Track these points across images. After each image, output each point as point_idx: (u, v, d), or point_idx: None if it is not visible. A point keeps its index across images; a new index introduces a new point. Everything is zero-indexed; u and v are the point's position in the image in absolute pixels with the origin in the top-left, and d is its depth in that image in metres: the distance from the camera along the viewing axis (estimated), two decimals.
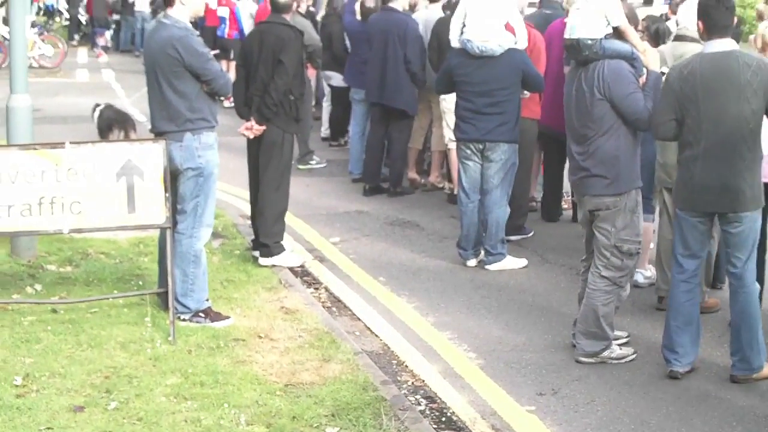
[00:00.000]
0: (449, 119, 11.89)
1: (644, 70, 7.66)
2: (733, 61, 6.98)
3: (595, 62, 7.59)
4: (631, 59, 7.62)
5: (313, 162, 14.74)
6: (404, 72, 12.58)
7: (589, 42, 7.61)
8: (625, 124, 7.50)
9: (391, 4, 12.86)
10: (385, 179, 13.30)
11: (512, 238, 10.64)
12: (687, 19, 8.62)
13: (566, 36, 7.87)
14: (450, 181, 12.67)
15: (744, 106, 6.92)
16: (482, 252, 10.12)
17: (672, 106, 7.13)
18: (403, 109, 12.81)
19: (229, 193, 12.39)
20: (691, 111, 7.04)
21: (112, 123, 14.12)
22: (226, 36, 21.21)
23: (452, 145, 11.94)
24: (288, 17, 10.11)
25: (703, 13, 7.19)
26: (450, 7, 12.44)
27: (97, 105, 14.88)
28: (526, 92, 10.17)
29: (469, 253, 10.14)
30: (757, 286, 7.37)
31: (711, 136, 7.00)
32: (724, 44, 7.07)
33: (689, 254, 7.29)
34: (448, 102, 11.85)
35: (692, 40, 8.44)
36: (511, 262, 10.04)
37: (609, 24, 7.69)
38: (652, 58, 7.75)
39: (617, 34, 7.74)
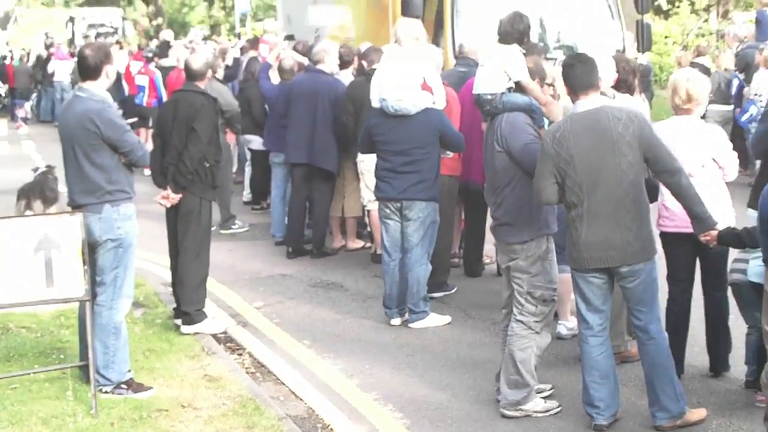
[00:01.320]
0: (368, 180, 11.99)
1: (545, 122, 7.84)
2: (602, 116, 7.08)
3: (497, 116, 7.81)
4: (530, 111, 7.81)
5: (236, 227, 14.73)
6: (331, 134, 12.66)
7: (489, 97, 7.90)
8: (527, 175, 7.62)
9: (319, 66, 12.94)
10: (308, 241, 13.31)
11: (435, 295, 10.69)
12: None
13: (473, 92, 8.07)
14: (372, 240, 12.75)
15: (620, 160, 6.99)
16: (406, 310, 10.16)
17: (550, 170, 7.18)
18: (328, 171, 12.86)
19: (150, 261, 12.34)
20: (569, 172, 7.10)
21: (28, 192, 13.93)
22: (144, 104, 21.21)
23: (372, 206, 12.04)
24: (202, 84, 10.15)
25: (564, 75, 7.34)
26: (362, 72, 12.54)
27: (37, 168, 14.74)
28: (449, 152, 10.27)
29: (393, 312, 10.16)
30: (665, 334, 7.46)
31: (592, 194, 7.06)
32: (591, 101, 7.18)
33: (592, 309, 7.33)
34: (366, 163, 11.95)
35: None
36: (435, 320, 10.08)
37: (510, 79, 7.89)
38: (555, 111, 7.92)
39: (521, 88, 7.94)
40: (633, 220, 7.07)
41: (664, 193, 7.62)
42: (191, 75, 10.18)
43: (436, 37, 15.47)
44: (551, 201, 7.37)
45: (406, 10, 15.11)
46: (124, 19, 49.26)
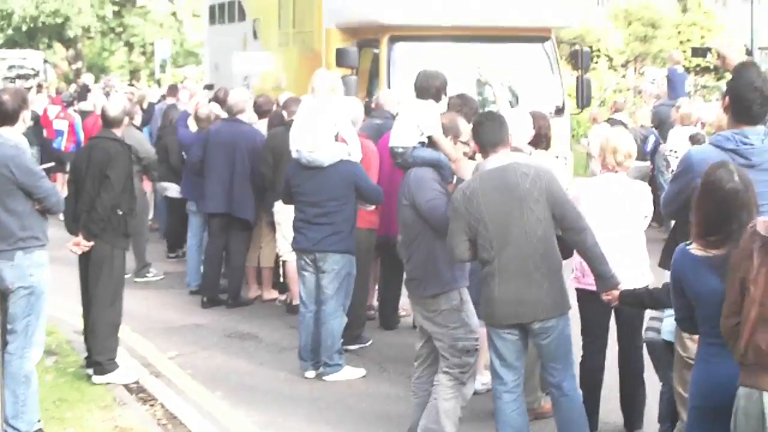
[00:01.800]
0: (284, 230, 11.97)
1: (454, 178, 7.93)
2: (510, 173, 7.12)
3: (408, 170, 7.91)
4: (438, 167, 7.91)
5: (150, 275, 14.62)
6: (249, 183, 12.65)
7: (400, 150, 8.04)
8: (432, 229, 7.68)
9: (239, 116, 12.93)
10: (223, 291, 13.24)
11: (350, 347, 10.68)
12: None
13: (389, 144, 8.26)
14: (282, 292, 12.75)
15: (528, 216, 7.03)
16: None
17: (462, 228, 7.21)
18: (245, 220, 12.83)
19: (63, 308, 12.17)
20: (480, 230, 7.12)
21: None
22: (62, 148, 21.01)
23: (287, 257, 12.03)
24: (119, 131, 10.08)
25: (474, 133, 7.47)
26: (279, 122, 12.55)
27: None
28: (368, 205, 10.28)
29: (308, 364, 10.12)
30: (579, 391, 7.49)
31: (503, 250, 7.07)
32: (499, 158, 7.25)
33: (506, 365, 7.30)
34: (282, 214, 11.96)
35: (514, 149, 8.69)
36: (349, 373, 10.06)
37: (423, 133, 8.00)
38: (464, 168, 8.00)
39: (432, 143, 8.05)
40: (543, 276, 7.08)
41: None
42: (107, 122, 10.13)
43: (371, 89, 15.52)
44: (464, 258, 7.40)
45: (341, 61, 15.14)
46: (45, 62, 48.78)
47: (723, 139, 6.55)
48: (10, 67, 44.82)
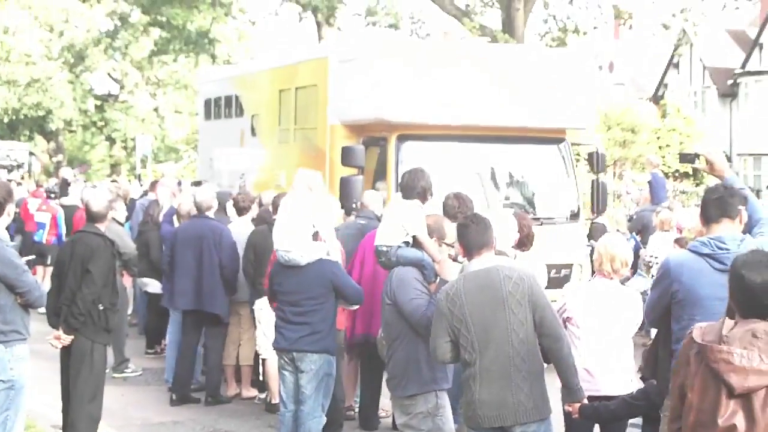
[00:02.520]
0: (264, 328, 12.02)
1: (436, 278, 7.97)
2: (494, 275, 7.11)
3: (391, 269, 7.97)
4: (421, 266, 7.95)
5: (129, 370, 14.53)
6: (219, 278, 12.66)
7: (384, 249, 8.10)
8: (413, 329, 7.70)
9: (207, 213, 12.99)
10: (200, 388, 13.17)
11: None
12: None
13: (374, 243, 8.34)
14: (261, 391, 12.69)
15: (511, 318, 6.99)
16: None
17: (445, 329, 7.17)
18: (218, 315, 12.82)
19: (43, 402, 12.08)
20: (462, 331, 7.08)
21: None
22: (44, 241, 20.98)
23: (266, 354, 12.03)
24: (102, 226, 10.09)
25: (459, 235, 7.47)
26: (261, 219, 12.60)
27: None
28: (352, 305, 10.22)
29: None
30: None
31: (484, 352, 7.03)
32: (483, 261, 7.25)
33: None
34: (263, 312, 11.96)
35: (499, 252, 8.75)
36: None
37: (407, 233, 8.06)
38: (448, 270, 8.04)
39: (417, 242, 8.12)
40: (524, 379, 7.01)
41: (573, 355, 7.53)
42: (90, 216, 10.17)
43: (379, 182, 14.94)
44: (446, 359, 7.35)
45: (347, 159, 14.55)
46: (31, 154, 48.89)
47: (700, 244, 6.65)
48: None
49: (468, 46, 21.19)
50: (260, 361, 12.78)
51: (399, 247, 8.11)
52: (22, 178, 29.28)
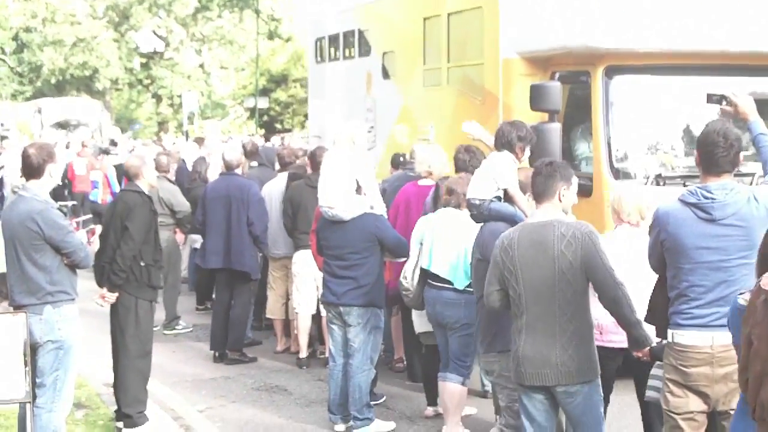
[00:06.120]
0: (298, 282, 12.22)
1: None
2: (549, 231, 6.85)
3: (483, 223, 7.80)
4: (513, 222, 7.71)
5: (179, 327, 14.63)
6: (247, 235, 12.69)
7: (477, 202, 7.89)
8: None
9: (236, 171, 13.03)
10: (251, 343, 13.23)
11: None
12: None
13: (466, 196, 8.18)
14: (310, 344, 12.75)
15: (559, 278, 6.78)
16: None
17: (497, 277, 7.04)
18: (246, 273, 12.86)
19: (94, 360, 12.18)
20: (511, 282, 6.94)
21: None
22: (99, 201, 21.10)
23: (299, 309, 12.33)
24: (142, 184, 10.07)
25: (531, 182, 7.21)
26: (296, 176, 12.68)
27: None
28: (398, 258, 10.16)
29: (337, 417, 10.05)
30: None
31: (530, 307, 6.87)
32: (546, 212, 6.98)
33: (536, 426, 7.05)
34: (297, 265, 12.03)
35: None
36: (379, 426, 9.98)
37: (498, 187, 7.88)
38: None
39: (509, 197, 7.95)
40: (569, 339, 6.81)
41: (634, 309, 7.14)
42: (128, 174, 10.23)
43: (573, 138, 12.04)
44: (495, 307, 7.22)
45: (538, 101, 11.16)
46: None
47: (688, 194, 6.49)
48: (57, 124, 44.29)
49: None
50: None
51: (491, 201, 7.91)
52: (92, 137, 29.02)
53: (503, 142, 8.28)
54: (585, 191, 10.53)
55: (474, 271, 7.94)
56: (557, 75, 11.98)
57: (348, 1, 18.05)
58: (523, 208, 7.93)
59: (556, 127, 10.93)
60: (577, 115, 11.87)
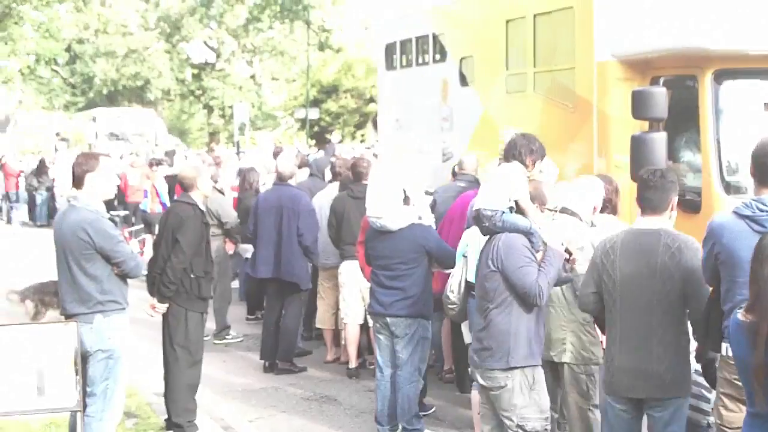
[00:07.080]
0: (345, 293, 12.25)
1: (542, 245, 7.69)
2: (654, 240, 6.79)
3: (496, 235, 7.67)
4: (528, 234, 7.65)
5: (230, 337, 14.66)
6: (297, 246, 12.67)
7: (489, 213, 7.68)
8: (518, 298, 7.45)
9: (290, 181, 13.04)
10: (302, 353, 13.24)
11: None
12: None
13: (474, 207, 7.98)
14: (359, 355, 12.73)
15: (658, 288, 6.71)
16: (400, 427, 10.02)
17: (594, 279, 6.99)
18: (296, 283, 12.86)
19: (145, 370, 12.23)
20: (608, 286, 6.87)
21: (28, 295, 13.81)
22: (148, 210, 21.25)
23: (347, 319, 12.33)
24: (195, 195, 10.10)
25: (638, 190, 7.08)
26: (346, 187, 12.63)
27: None
28: (446, 269, 10.09)
29: (385, 429, 10.01)
30: None
31: (626, 316, 6.79)
32: (652, 222, 6.90)
33: None
34: (344, 276, 12.02)
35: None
36: None
37: (510, 199, 7.80)
38: (547, 236, 7.82)
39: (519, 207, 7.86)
40: (665, 352, 6.72)
41: None
42: (182, 185, 10.26)
43: (677, 147, 10.96)
44: (587, 309, 7.22)
45: (641, 109, 10.19)
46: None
47: (743, 206, 6.40)
48: (113, 134, 44.30)
49: None
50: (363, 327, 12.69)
51: (503, 212, 7.85)
52: (151, 148, 29.14)
53: (514, 153, 8.18)
54: (692, 207, 10.19)
55: (481, 281, 7.74)
56: (661, 80, 10.92)
57: (421, 3, 16.95)
58: (534, 220, 7.85)
59: (661, 137, 10.09)
60: (681, 124, 10.82)
